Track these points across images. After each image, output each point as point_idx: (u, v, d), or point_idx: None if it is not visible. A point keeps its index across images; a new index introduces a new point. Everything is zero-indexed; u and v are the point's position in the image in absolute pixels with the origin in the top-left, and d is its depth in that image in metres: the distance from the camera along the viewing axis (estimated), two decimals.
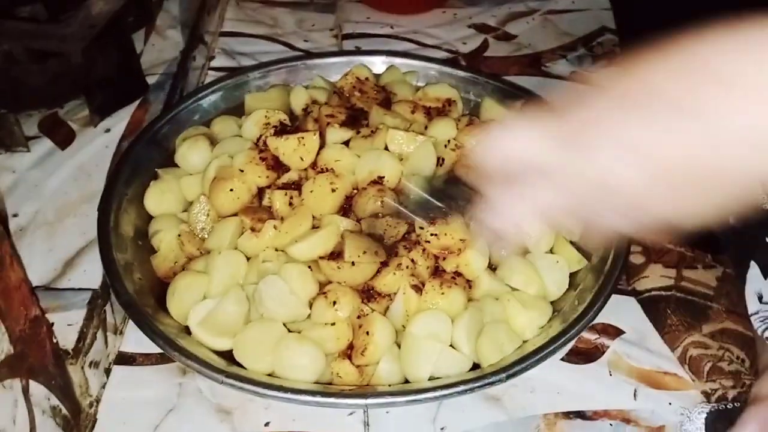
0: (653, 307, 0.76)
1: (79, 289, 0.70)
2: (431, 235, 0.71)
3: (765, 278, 0.60)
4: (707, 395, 0.68)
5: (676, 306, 0.75)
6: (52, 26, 0.87)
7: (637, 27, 0.90)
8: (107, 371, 0.70)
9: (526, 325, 0.69)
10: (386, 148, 0.78)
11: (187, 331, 0.69)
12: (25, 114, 0.89)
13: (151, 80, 0.96)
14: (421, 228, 0.72)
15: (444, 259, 0.72)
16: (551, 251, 0.76)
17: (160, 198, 0.78)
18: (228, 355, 0.67)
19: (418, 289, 0.69)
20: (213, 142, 0.82)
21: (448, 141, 0.80)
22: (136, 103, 0.92)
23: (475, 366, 0.67)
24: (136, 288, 0.69)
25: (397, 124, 0.81)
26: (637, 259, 0.80)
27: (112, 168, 0.82)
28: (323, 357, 0.66)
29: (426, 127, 0.83)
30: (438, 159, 0.79)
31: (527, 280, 0.72)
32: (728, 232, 0.67)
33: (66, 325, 0.66)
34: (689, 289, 0.78)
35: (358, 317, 0.68)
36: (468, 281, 0.72)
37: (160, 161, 0.82)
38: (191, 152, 0.80)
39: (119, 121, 0.89)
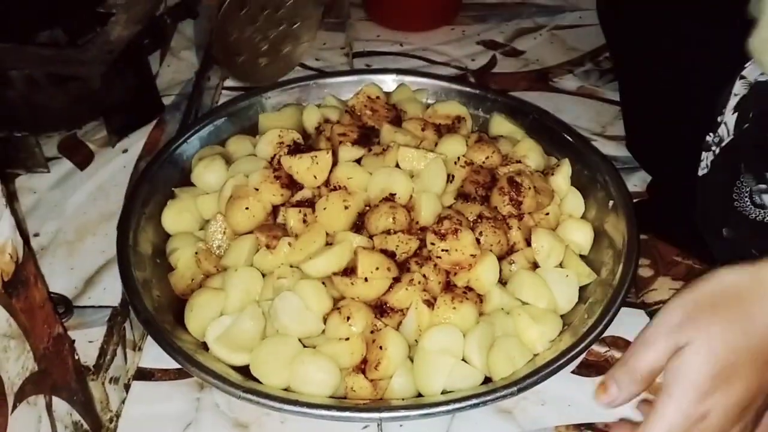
0: None
1: (99, 307, 0.72)
2: (442, 250, 0.72)
3: None
4: None
5: None
6: (71, 51, 0.89)
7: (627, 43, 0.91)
8: (127, 387, 0.71)
9: (537, 338, 0.70)
10: (397, 166, 0.80)
11: (204, 347, 0.70)
12: (45, 136, 0.91)
13: (167, 101, 0.98)
14: (433, 244, 0.73)
15: (455, 274, 0.73)
16: (560, 265, 0.77)
17: (177, 217, 0.80)
18: (244, 371, 0.68)
19: (430, 304, 0.70)
20: (228, 161, 0.84)
21: (458, 158, 0.81)
22: (153, 123, 0.94)
23: (487, 379, 0.68)
24: (154, 305, 0.71)
25: (407, 142, 0.82)
26: (645, 272, 0.81)
27: (130, 188, 0.84)
28: (338, 371, 0.67)
29: (436, 144, 0.84)
30: (448, 176, 0.80)
31: (537, 294, 0.73)
32: (721, 244, 0.68)
33: (87, 342, 0.68)
34: None
35: (372, 332, 0.69)
36: (479, 296, 0.73)
37: (177, 180, 0.84)
38: (207, 172, 0.82)
39: (136, 142, 0.92)
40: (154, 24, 0.98)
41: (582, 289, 0.75)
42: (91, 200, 0.85)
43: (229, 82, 1.11)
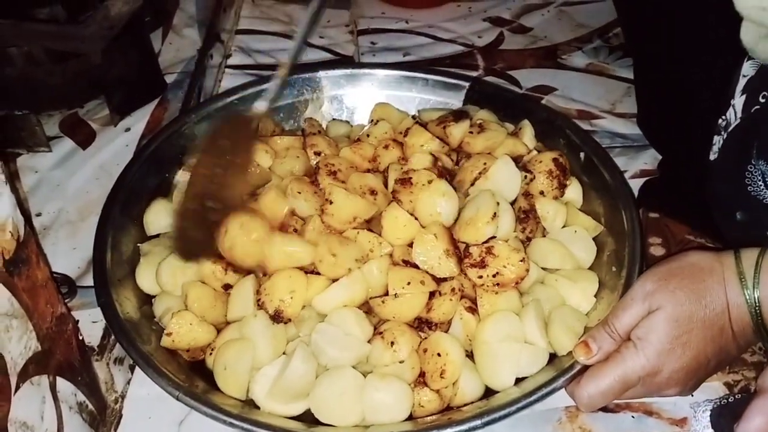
0: None
1: None
2: (493, 275, 0.67)
3: None
4: (730, 386, 0.68)
5: None
6: (71, 27, 0.88)
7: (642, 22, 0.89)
8: (132, 368, 0.71)
9: (581, 297, 0.68)
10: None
11: (246, 404, 0.63)
12: (46, 114, 0.90)
13: (169, 79, 0.97)
14: (480, 277, 0.67)
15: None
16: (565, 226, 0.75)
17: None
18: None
19: (473, 310, 0.67)
20: None
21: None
22: (155, 101, 0.93)
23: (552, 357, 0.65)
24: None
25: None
26: (657, 250, 0.80)
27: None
28: (410, 390, 0.62)
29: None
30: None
31: (561, 257, 0.71)
32: (734, 228, 0.66)
33: (91, 323, 0.67)
34: None
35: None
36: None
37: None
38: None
39: (139, 120, 0.90)
40: (155, 0, 0.97)
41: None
42: (93, 180, 0.84)
43: (232, 60, 1.09)
